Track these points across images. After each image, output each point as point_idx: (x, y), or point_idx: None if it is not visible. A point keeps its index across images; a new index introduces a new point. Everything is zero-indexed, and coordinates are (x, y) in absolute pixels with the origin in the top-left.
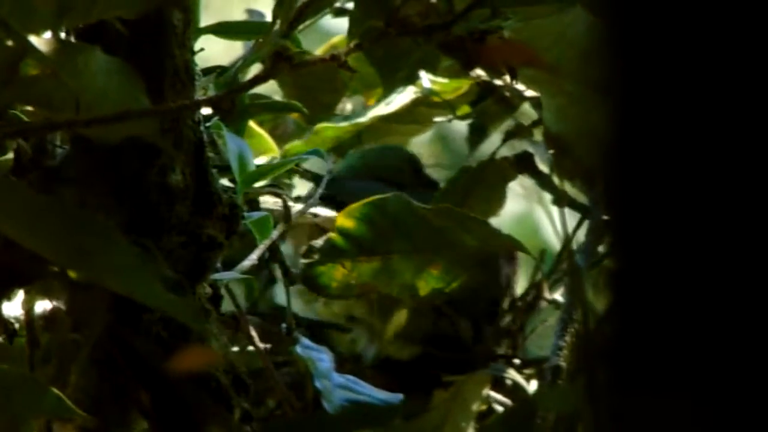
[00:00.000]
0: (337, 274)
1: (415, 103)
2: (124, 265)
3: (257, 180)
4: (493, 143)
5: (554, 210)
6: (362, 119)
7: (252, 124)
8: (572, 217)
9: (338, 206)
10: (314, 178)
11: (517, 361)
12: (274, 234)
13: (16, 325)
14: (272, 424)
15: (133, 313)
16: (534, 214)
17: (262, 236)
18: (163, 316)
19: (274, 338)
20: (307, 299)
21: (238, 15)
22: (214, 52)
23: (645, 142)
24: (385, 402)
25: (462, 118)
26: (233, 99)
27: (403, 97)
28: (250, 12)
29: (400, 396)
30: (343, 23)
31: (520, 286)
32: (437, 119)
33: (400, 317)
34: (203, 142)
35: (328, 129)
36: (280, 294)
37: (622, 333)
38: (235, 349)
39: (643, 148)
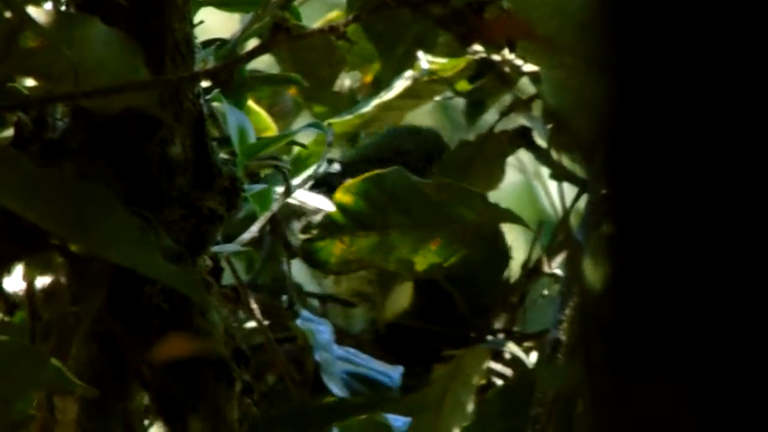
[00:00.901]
0: (335, 249)
1: (413, 81)
2: (125, 237)
3: (257, 153)
4: (491, 118)
5: (551, 184)
6: (366, 110)
7: (250, 102)
8: (570, 191)
9: None
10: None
11: (516, 334)
12: (275, 207)
13: (17, 299)
14: (273, 409)
15: (133, 285)
16: (531, 188)
17: (263, 209)
18: (164, 288)
19: (274, 312)
20: (316, 275)
21: None
22: (212, 24)
23: (643, 115)
24: (385, 375)
25: (461, 94)
26: (232, 71)
27: (402, 82)
28: None
29: (400, 368)
30: None
31: (518, 259)
32: (437, 97)
33: (403, 293)
34: (203, 115)
35: (336, 124)
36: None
37: (620, 306)
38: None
39: (642, 120)
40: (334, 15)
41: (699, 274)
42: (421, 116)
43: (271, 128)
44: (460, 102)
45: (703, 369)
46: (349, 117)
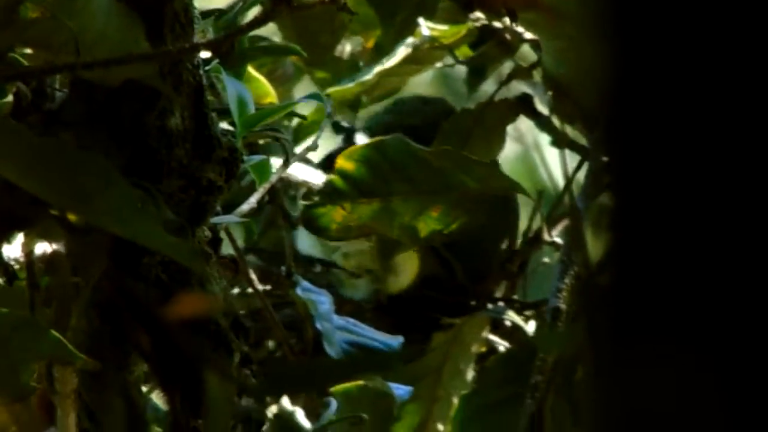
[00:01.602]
0: (336, 216)
1: (415, 49)
2: (125, 208)
3: (257, 123)
4: (492, 86)
5: (549, 153)
6: (368, 77)
7: (250, 68)
8: (571, 160)
9: None
10: (344, 130)
11: (516, 302)
12: (274, 177)
13: (16, 268)
14: (274, 369)
15: (132, 256)
16: (529, 158)
17: (262, 179)
18: (163, 260)
19: (273, 281)
20: (324, 249)
21: None
22: None
23: (644, 83)
24: (385, 344)
25: (462, 62)
26: (232, 42)
27: (403, 49)
28: None
29: (400, 338)
30: None
31: (519, 228)
32: (438, 64)
33: (408, 266)
34: (202, 86)
35: (337, 92)
36: (302, 240)
37: (621, 274)
38: (235, 291)
39: (644, 89)
40: None
41: (701, 242)
42: (422, 85)
43: (271, 95)
44: (460, 70)
45: (704, 335)
46: (349, 85)
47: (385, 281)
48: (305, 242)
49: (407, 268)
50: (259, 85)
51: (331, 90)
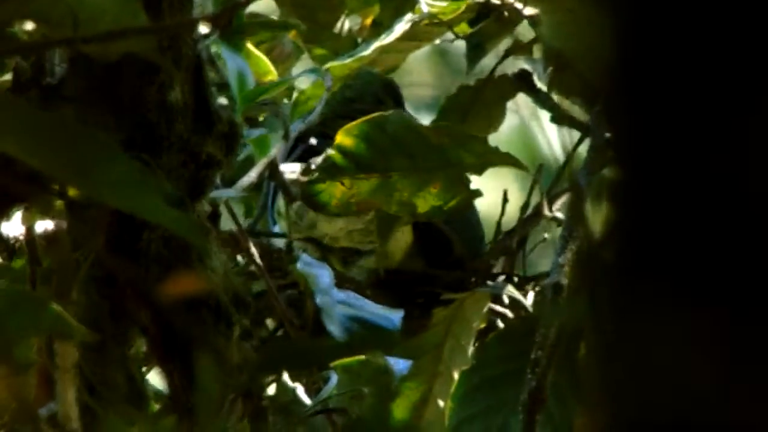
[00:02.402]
0: (336, 191)
1: (414, 25)
2: (126, 181)
3: (256, 98)
4: (491, 62)
5: (549, 128)
6: (366, 53)
7: (249, 45)
8: (569, 135)
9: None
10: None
11: (516, 277)
12: (273, 152)
13: (17, 245)
14: (273, 346)
15: (132, 231)
16: (529, 132)
17: (261, 154)
18: (164, 234)
19: (274, 256)
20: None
21: None
22: None
23: (646, 56)
24: (385, 318)
25: (461, 38)
26: (231, 16)
27: (402, 25)
28: None
29: (400, 312)
30: None
31: (517, 203)
32: (437, 40)
33: (401, 238)
34: (202, 61)
35: (335, 68)
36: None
37: (624, 248)
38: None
39: (646, 61)
40: None
41: (703, 216)
42: (419, 61)
43: (271, 72)
44: (459, 46)
45: (704, 307)
46: (348, 60)
47: (381, 255)
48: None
49: (400, 239)
50: (259, 62)
51: (330, 65)
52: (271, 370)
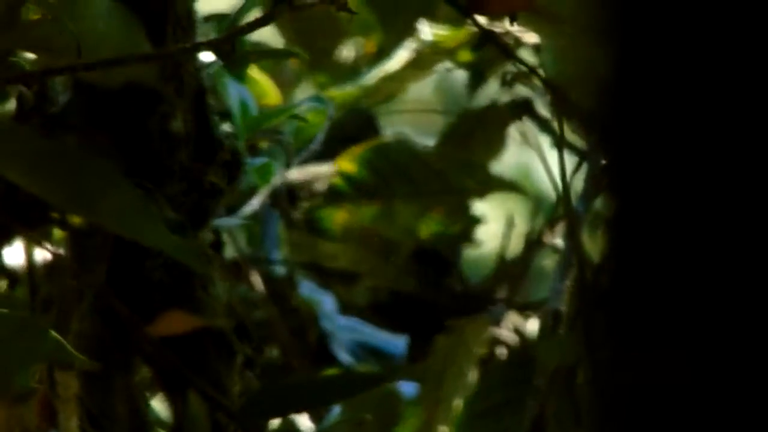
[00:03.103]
0: (338, 217)
1: (415, 52)
2: (128, 208)
3: (259, 126)
4: (492, 91)
5: (550, 158)
6: (368, 81)
7: (253, 69)
8: (570, 164)
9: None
10: None
11: (517, 305)
12: (276, 180)
13: (18, 272)
14: (279, 384)
15: (135, 259)
16: (529, 162)
17: (264, 182)
18: (166, 262)
19: (275, 284)
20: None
21: None
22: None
23: (644, 84)
24: (390, 344)
25: (463, 65)
26: (233, 43)
27: (403, 52)
28: None
29: (404, 338)
30: None
31: (517, 230)
32: (438, 67)
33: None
34: (204, 89)
35: (337, 96)
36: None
37: (620, 277)
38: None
39: (642, 90)
40: None
41: (700, 244)
42: (420, 93)
43: (273, 95)
44: (460, 80)
45: (701, 339)
46: (350, 89)
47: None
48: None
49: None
50: (261, 85)
51: (331, 92)
52: (271, 416)
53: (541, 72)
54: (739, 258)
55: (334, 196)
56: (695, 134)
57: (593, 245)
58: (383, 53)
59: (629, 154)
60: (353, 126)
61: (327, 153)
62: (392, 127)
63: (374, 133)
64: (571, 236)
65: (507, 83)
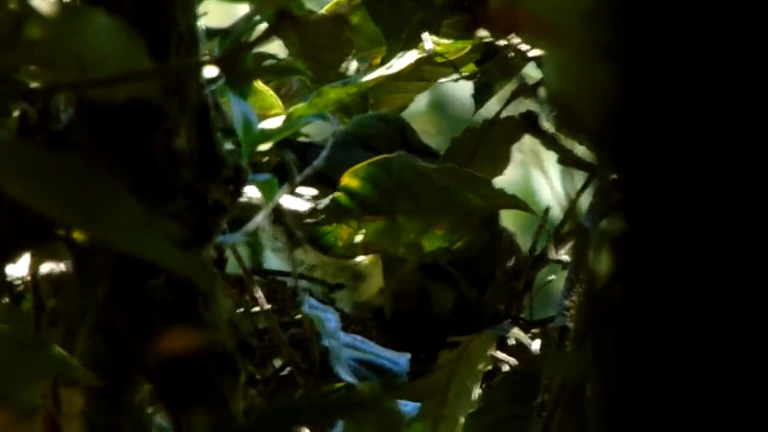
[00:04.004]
0: (342, 233)
1: (419, 63)
2: (131, 223)
3: (262, 143)
4: (493, 107)
5: (553, 174)
6: (365, 79)
7: (257, 80)
8: (574, 179)
9: (329, 182)
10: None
11: (522, 321)
12: (279, 197)
13: (21, 288)
14: (281, 401)
15: (138, 277)
16: (532, 179)
17: (268, 199)
18: (169, 280)
19: (279, 299)
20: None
21: None
22: (213, 13)
23: (651, 99)
24: (392, 362)
25: (467, 77)
26: (236, 60)
27: (406, 59)
28: None
29: (407, 355)
30: None
31: (523, 246)
32: (442, 79)
33: (376, 276)
34: (207, 105)
35: (331, 91)
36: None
37: (629, 298)
38: (241, 309)
39: (650, 105)
40: None
41: (708, 265)
42: (417, 111)
43: (277, 106)
44: (459, 97)
45: (712, 356)
46: (345, 86)
47: (356, 291)
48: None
49: (373, 277)
50: (265, 97)
51: (326, 87)
52: None
53: (545, 87)
54: (748, 276)
55: (338, 212)
56: (704, 148)
57: (600, 261)
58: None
59: (637, 171)
60: (382, 136)
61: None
62: None
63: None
64: (579, 252)
65: (512, 98)
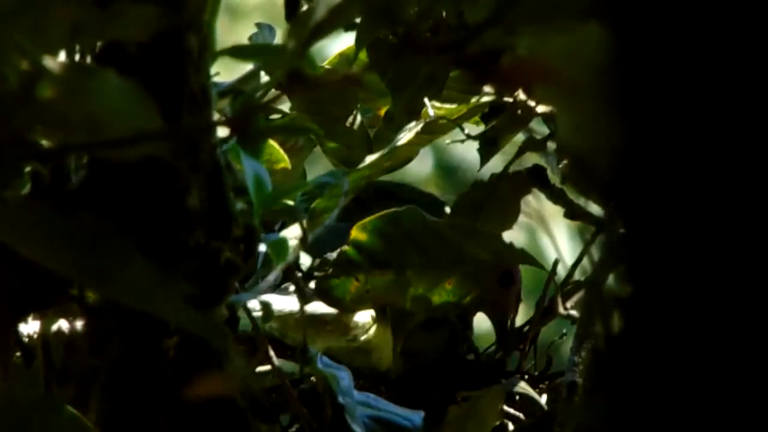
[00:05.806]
0: (351, 287)
1: (423, 129)
2: (144, 283)
3: (274, 202)
4: (498, 162)
5: (557, 231)
6: (377, 158)
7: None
8: (575, 244)
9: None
10: None
11: (530, 375)
12: (291, 257)
13: (33, 347)
14: None
15: (150, 337)
16: (536, 235)
17: (279, 259)
18: (182, 339)
19: (288, 354)
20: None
21: (246, 33)
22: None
23: (661, 157)
24: (407, 419)
25: (473, 137)
26: (249, 119)
27: (408, 135)
28: (260, 26)
29: (421, 413)
30: None
31: (531, 300)
32: (447, 141)
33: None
34: (220, 165)
35: (353, 178)
36: None
37: (639, 349)
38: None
39: (659, 162)
40: (347, 49)
41: (719, 316)
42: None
43: (285, 161)
44: (463, 159)
45: (719, 411)
46: (362, 168)
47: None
48: None
49: (382, 349)
50: (273, 151)
51: (347, 174)
52: None
53: (555, 141)
54: (761, 336)
55: (346, 265)
56: (712, 207)
57: (610, 316)
58: (393, 120)
59: (646, 225)
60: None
61: None
62: None
63: None
64: (587, 307)
65: (519, 152)
